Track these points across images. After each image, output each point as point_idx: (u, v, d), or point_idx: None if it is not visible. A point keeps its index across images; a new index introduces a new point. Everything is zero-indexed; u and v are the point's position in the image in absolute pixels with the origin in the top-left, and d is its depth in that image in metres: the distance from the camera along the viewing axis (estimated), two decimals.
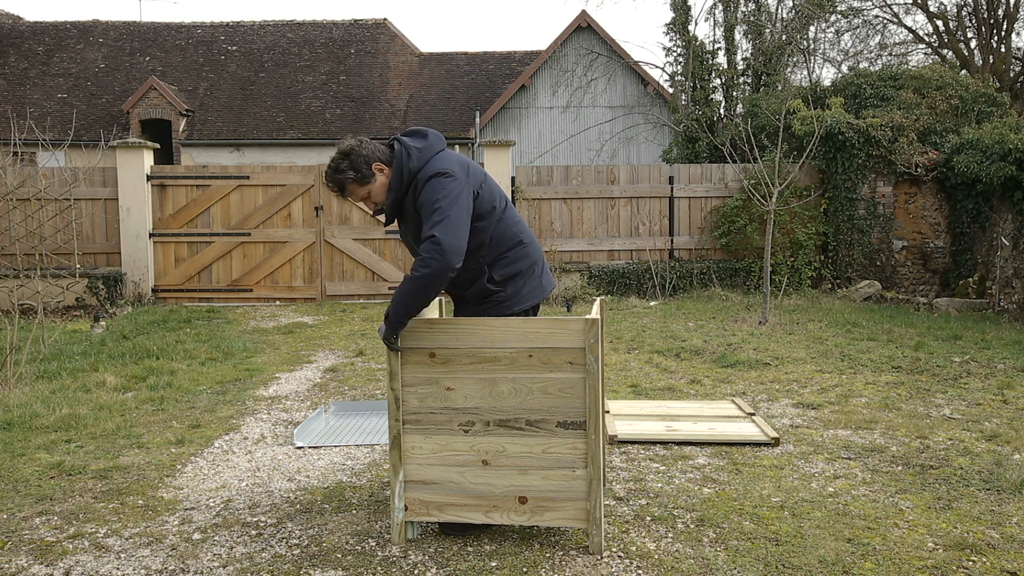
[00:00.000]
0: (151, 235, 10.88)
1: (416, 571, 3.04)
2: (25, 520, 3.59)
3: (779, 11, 18.06)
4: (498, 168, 11.04)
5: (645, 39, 48.56)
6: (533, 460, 3.17)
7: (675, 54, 17.31)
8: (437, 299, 3.74)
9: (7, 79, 19.55)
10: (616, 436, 4.62)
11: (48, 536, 3.43)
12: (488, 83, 19.97)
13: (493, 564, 3.09)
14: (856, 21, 20.78)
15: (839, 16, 19.96)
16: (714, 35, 23.38)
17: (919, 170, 11.18)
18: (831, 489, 3.87)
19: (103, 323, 9.01)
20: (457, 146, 18.10)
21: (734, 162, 11.45)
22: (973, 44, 20.08)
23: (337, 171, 3.25)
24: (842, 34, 21.08)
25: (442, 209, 3.06)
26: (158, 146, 11.67)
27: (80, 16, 51.80)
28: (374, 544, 3.28)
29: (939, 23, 19.97)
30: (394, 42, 20.89)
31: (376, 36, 21.05)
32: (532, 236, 3.52)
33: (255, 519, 3.59)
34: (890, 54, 21.44)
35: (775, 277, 10.83)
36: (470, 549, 3.22)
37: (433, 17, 63.81)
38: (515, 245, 3.37)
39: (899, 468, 4.18)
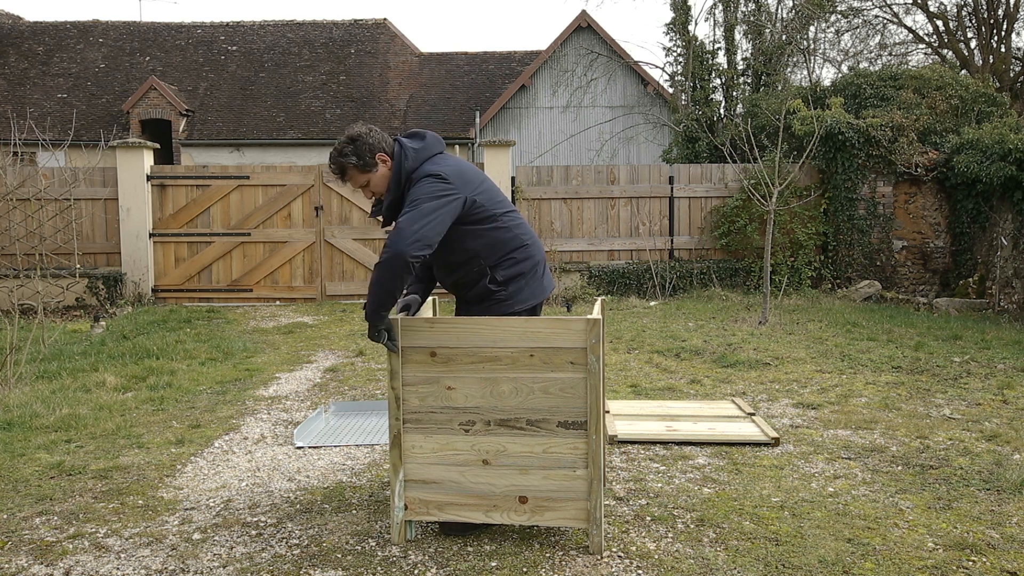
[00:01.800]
0: (151, 235, 10.88)
1: (416, 571, 3.04)
2: (25, 520, 3.59)
3: (779, 11, 18.06)
4: (498, 168, 11.04)
5: (645, 39, 48.61)
6: (534, 460, 3.17)
7: (675, 54, 17.31)
8: (431, 299, 3.74)
9: (7, 79, 19.55)
10: (616, 436, 4.62)
11: (48, 536, 3.42)
12: (488, 83, 19.96)
13: (493, 564, 3.09)
14: (856, 21, 20.80)
15: (839, 16, 19.97)
16: (714, 35, 23.39)
17: (919, 170, 11.18)
18: (831, 489, 3.87)
19: (103, 323, 9.00)
20: (457, 146, 18.10)
21: (734, 162, 11.44)
22: (973, 44, 20.09)
23: (341, 154, 3.29)
24: (842, 34, 21.10)
25: (419, 201, 3.11)
26: (158, 146, 11.67)
27: (80, 16, 51.80)
28: (374, 544, 3.28)
29: (939, 23, 19.98)
30: (394, 42, 20.89)
31: (376, 36, 21.05)
32: (535, 236, 3.55)
33: (255, 519, 3.59)
34: (890, 54, 21.46)
35: (775, 277, 10.83)
36: (470, 549, 3.22)
37: (433, 17, 63.82)
38: (519, 247, 3.41)
39: (899, 468, 4.18)
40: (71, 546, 3.32)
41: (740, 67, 17.56)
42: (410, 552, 3.20)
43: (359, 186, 3.34)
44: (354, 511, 3.65)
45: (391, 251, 3.01)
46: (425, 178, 3.20)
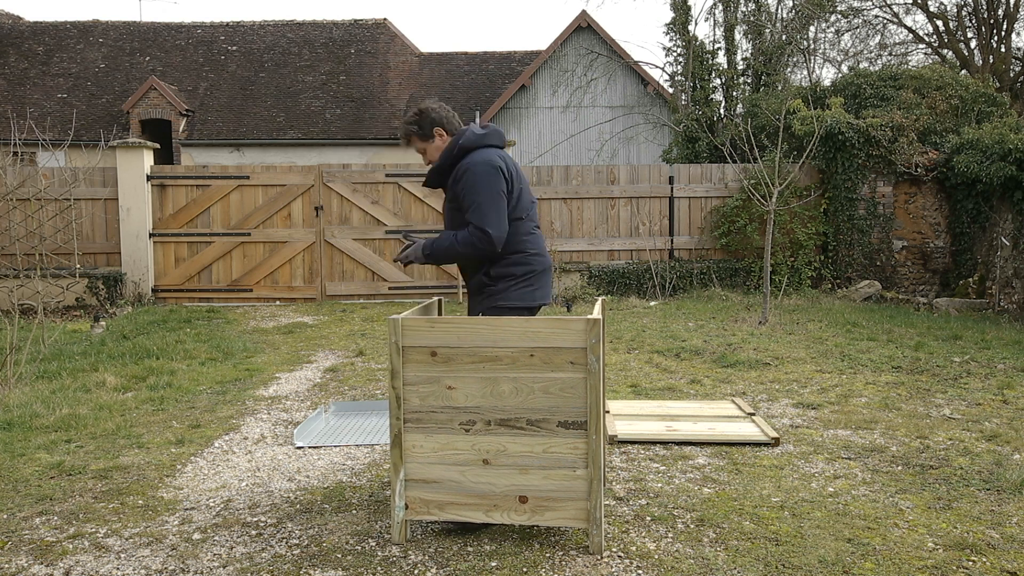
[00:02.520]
0: (151, 235, 10.88)
1: (416, 571, 3.04)
2: (25, 520, 3.59)
3: (779, 11, 18.08)
4: None
5: (645, 39, 48.67)
6: (534, 460, 3.17)
7: (675, 54, 17.32)
8: (435, 300, 3.94)
9: (7, 79, 19.55)
10: (616, 436, 4.62)
11: (48, 536, 3.42)
12: (488, 83, 19.96)
13: (493, 564, 3.09)
14: (856, 21, 20.81)
15: (839, 16, 19.98)
16: (714, 35, 23.40)
17: (919, 170, 11.19)
18: (831, 489, 3.87)
19: (103, 323, 9.00)
20: None
21: (734, 162, 11.44)
22: (973, 44, 20.09)
23: (408, 123, 3.73)
24: (842, 34, 21.11)
25: (483, 204, 3.43)
26: (158, 146, 11.67)
27: (80, 16, 51.82)
28: (374, 544, 3.28)
29: (939, 23, 19.99)
30: (394, 42, 20.88)
31: (376, 36, 21.05)
32: (541, 248, 3.71)
33: (255, 519, 3.59)
34: (890, 54, 21.47)
35: (775, 277, 10.83)
36: (470, 549, 3.22)
37: (433, 17, 63.84)
38: (517, 252, 3.58)
39: (899, 468, 4.18)
40: (71, 546, 3.32)
41: (740, 67, 17.57)
42: (410, 552, 3.20)
43: (418, 151, 3.76)
44: (354, 511, 3.65)
45: (484, 251, 3.46)
46: (478, 167, 3.48)
